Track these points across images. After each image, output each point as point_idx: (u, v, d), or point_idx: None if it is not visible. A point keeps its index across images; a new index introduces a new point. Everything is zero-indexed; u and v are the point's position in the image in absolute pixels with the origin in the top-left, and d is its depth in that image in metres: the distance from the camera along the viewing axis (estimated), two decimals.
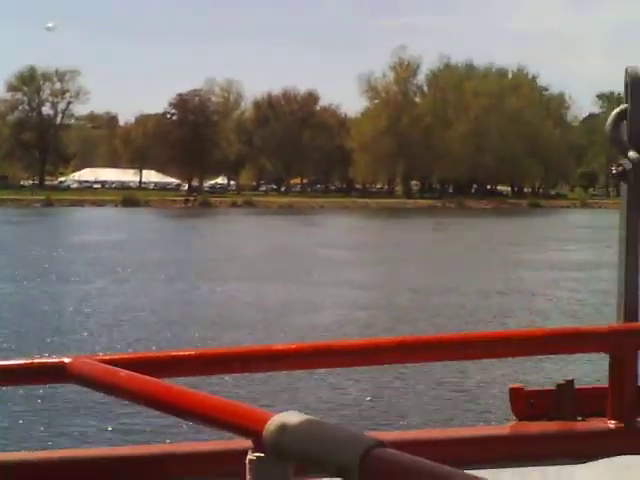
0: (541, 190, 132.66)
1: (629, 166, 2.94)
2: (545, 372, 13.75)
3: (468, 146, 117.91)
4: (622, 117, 2.99)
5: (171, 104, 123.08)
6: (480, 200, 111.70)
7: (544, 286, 28.85)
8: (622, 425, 2.85)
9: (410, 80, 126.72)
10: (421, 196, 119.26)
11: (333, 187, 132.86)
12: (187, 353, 2.47)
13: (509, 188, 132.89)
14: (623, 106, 2.99)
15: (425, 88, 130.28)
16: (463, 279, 30.15)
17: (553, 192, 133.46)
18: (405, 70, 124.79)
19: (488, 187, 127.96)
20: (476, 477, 1.22)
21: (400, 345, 2.74)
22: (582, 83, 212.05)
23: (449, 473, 1.26)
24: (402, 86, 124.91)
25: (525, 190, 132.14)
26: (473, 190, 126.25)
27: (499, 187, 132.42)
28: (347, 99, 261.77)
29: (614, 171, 2.98)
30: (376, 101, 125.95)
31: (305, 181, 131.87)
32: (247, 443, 1.59)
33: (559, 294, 26.83)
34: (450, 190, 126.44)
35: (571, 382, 2.96)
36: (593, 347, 3.23)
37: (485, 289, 27.37)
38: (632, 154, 2.94)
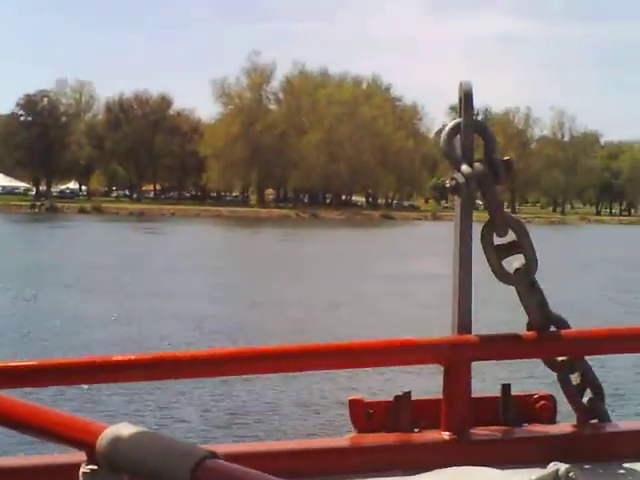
0: (395, 202, 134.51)
1: (462, 180, 2.96)
2: (386, 384, 13.68)
3: (322, 155, 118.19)
4: (456, 131, 3.04)
5: (18, 105, 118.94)
6: (334, 210, 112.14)
7: (384, 297, 28.55)
8: (455, 436, 2.95)
9: (264, 86, 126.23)
10: (276, 205, 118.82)
11: (187, 194, 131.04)
12: (26, 364, 2.52)
13: (364, 199, 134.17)
14: (457, 120, 3.05)
15: (280, 95, 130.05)
16: (300, 291, 29.58)
17: (407, 204, 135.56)
18: (259, 76, 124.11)
19: (343, 197, 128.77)
20: None
21: (238, 356, 2.88)
22: (437, 94, 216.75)
23: None
24: (256, 92, 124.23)
25: (380, 201, 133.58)
26: (328, 200, 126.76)
27: (354, 198, 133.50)
28: (203, 104, 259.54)
29: (448, 185, 3.01)
30: (230, 107, 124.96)
31: (158, 187, 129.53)
32: (81, 456, 1.59)
33: (398, 306, 26.60)
34: (305, 200, 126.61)
35: (408, 394, 3.02)
36: (428, 358, 3.31)
37: (322, 301, 26.88)
38: (465, 168, 2.97)
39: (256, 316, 23.45)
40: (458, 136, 3.05)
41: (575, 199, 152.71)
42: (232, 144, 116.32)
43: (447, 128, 3.07)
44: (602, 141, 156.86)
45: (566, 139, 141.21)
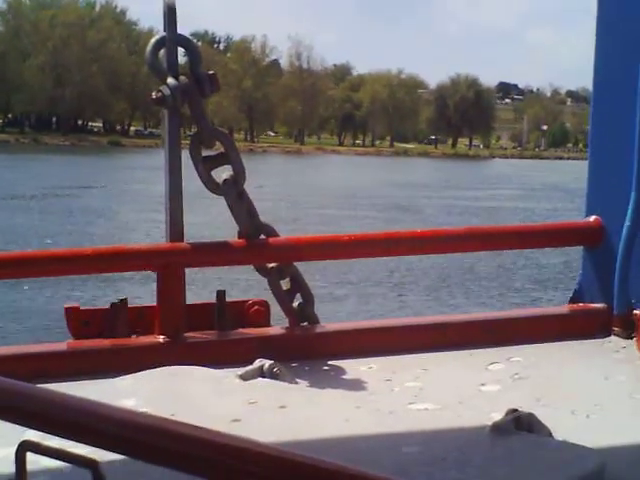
0: (132, 128, 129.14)
1: (168, 92, 3.07)
2: (102, 291, 14.03)
3: (47, 79, 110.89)
4: (160, 45, 3.14)
5: None
6: (60, 136, 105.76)
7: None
8: (170, 340, 3.10)
9: None
10: (2, 130, 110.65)
11: None
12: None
13: (101, 124, 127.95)
14: (161, 34, 3.13)
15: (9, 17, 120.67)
16: None
17: (147, 131, 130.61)
18: None
19: (79, 123, 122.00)
20: None
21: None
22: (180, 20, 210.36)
23: None
24: None
25: (119, 128, 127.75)
26: (54, 125, 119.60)
27: (93, 124, 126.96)
28: None
29: (154, 97, 3.08)
30: None
31: None
32: None
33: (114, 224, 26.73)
34: (31, 125, 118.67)
35: (124, 301, 3.13)
36: (141, 266, 3.41)
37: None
38: (170, 80, 3.09)
39: None
40: (162, 50, 3.11)
41: (319, 130, 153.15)
42: None
43: (151, 42, 3.16)
44: (354, 73, 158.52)
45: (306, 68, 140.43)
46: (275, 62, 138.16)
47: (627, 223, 3.37)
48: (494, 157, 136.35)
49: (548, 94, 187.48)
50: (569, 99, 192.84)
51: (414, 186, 49.71)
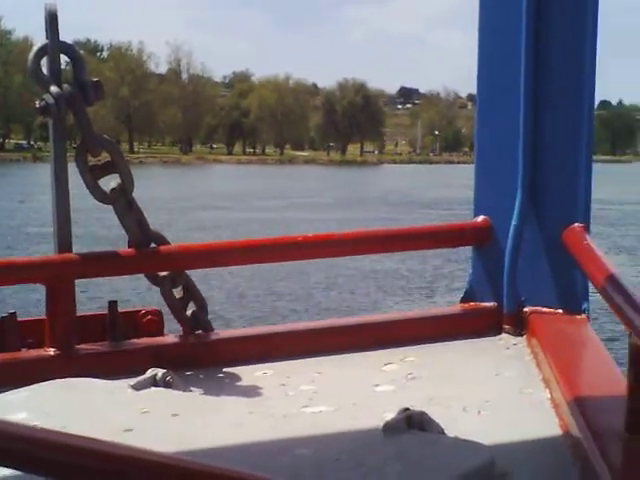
0: (12, 141, 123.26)
1: (51, 100, 3.00)
2: None
3: None
4: (43, 53, 3.05)
5: None
6: None
7: None
8: (60, 352, 3.09)
9: None
10: None
11: None
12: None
13: None
14: (44, 42, 3.05)
15: None
16: None
17: (27, 145, 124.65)
18: None
19: None
20: None
21: None
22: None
23: None
24: None
25: None
26: None
27: None
28: None
29: (37, 106, 3.01)
30: None
31: None
32: None
33: None
34: None
35: (14, 315, 3.15)
36: (30, 278, 3.37)
37: None
38: (54, 89, 3.01)
39: None
40: (45, 58, 3.05)
41: (209, 139, 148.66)
42: None
43: (33, 50, 3.06)
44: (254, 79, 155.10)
45: (186, 76, 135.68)
46: (154, 69, 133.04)
47: (514, 222, 3.49)
48: (382, 163, 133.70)
49: (450, 98, 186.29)
50: (470, 102, 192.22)
51: (233, 196, 47.77)
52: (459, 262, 18.76)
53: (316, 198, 48.31)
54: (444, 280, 19.07)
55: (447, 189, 57.20)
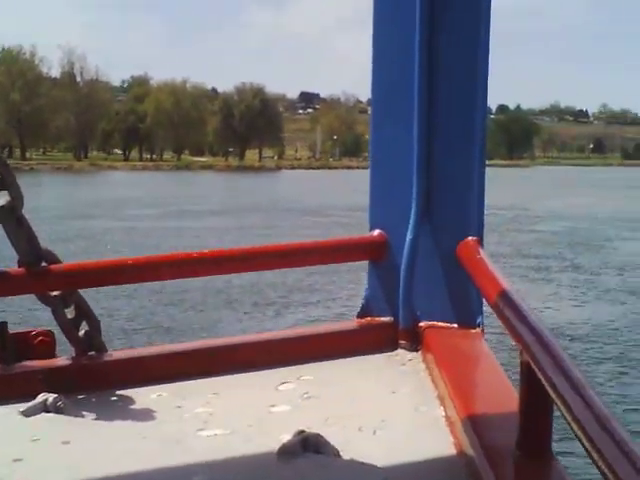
0: None
1: None
2: None
3: None
4: None
5: None
6: None
7: None
8: None
9: None
10: None
11: None
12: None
13: None
14: None
15: None
16: None
17: None
18: None
19: None
20: None
21: None
22: None
23: None
24: None
25: None
26: None
27: None
28: None
29: None
30: None
31: None
32: None
33: None
34: None
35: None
36: None
37: None
38: None
39: None
40: None
41: (106, 145, 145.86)
42: None
43: None
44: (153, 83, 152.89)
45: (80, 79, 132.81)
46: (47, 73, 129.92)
47: (409, 236, 3.47)
48: (281, 168, 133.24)
49: (350, 103, 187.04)
50: (370, 107, 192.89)
51: (110, 204, 47.02)
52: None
53: (201, 205, 47.62)
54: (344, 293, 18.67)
55: (338, 195, 57.15)
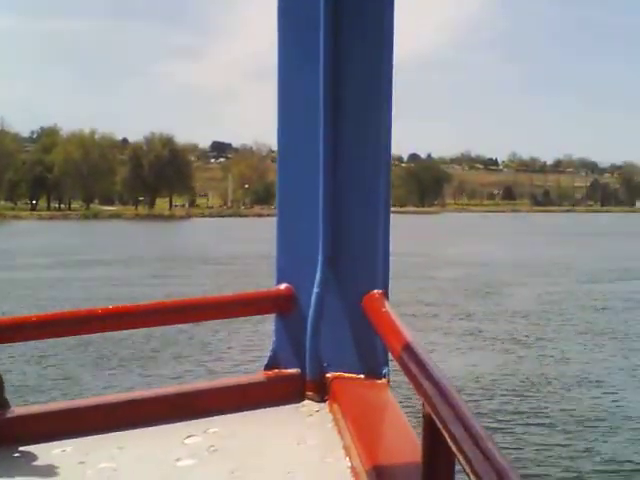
0: None
1: None
2: None
3: None
4: None
5: None
6: None
7: None
8: None
9: None
10: None
11: None
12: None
13: None
14: None
15: None
16: None
17: None
18: None
19: None
20: None
21: None
22: None
23: None
24: None
25: None
26: None
27: None
28: None
29: None
30: None
31: None
32: None
33: None
34: None
35: None
36: None
37: None
38: None
39: None
40: None
41: (13, 195, 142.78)
42: None
43: None
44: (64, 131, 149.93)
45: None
46: None
47: (316, 290, 3.48)
48: (191, 217, 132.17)
49: (263, 152, 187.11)
50: None
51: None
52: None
53: (95, 255, 46.53)
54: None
55: (238, 243, 56.69)
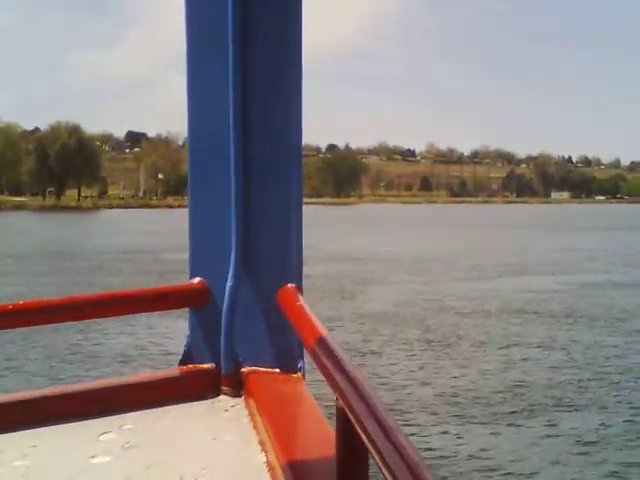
0: None
1: None
2: None
3: None
4: None
5: None
6: None
7: None
8: None
9: None
10: None
11: None
12: None
13: None
14: None
15: None
16: None
17: None
18: None
19: None
20: None
21: None
22: None
23: None
24: None
25: None
26: None
27: None
28: None
29: None
30: None
31: None
32: None
33: None
34: None
35: None
36: None
37: None
38: None
39: None
40: None
41: None
42: None
43: None
44: None
45: None
46: None
47: (229, 283, 3.48)
48: (99, 208, 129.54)
49: (179, 142, 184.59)
50: None
51: None
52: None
53: None
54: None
55: (125, 235, 55.41)
